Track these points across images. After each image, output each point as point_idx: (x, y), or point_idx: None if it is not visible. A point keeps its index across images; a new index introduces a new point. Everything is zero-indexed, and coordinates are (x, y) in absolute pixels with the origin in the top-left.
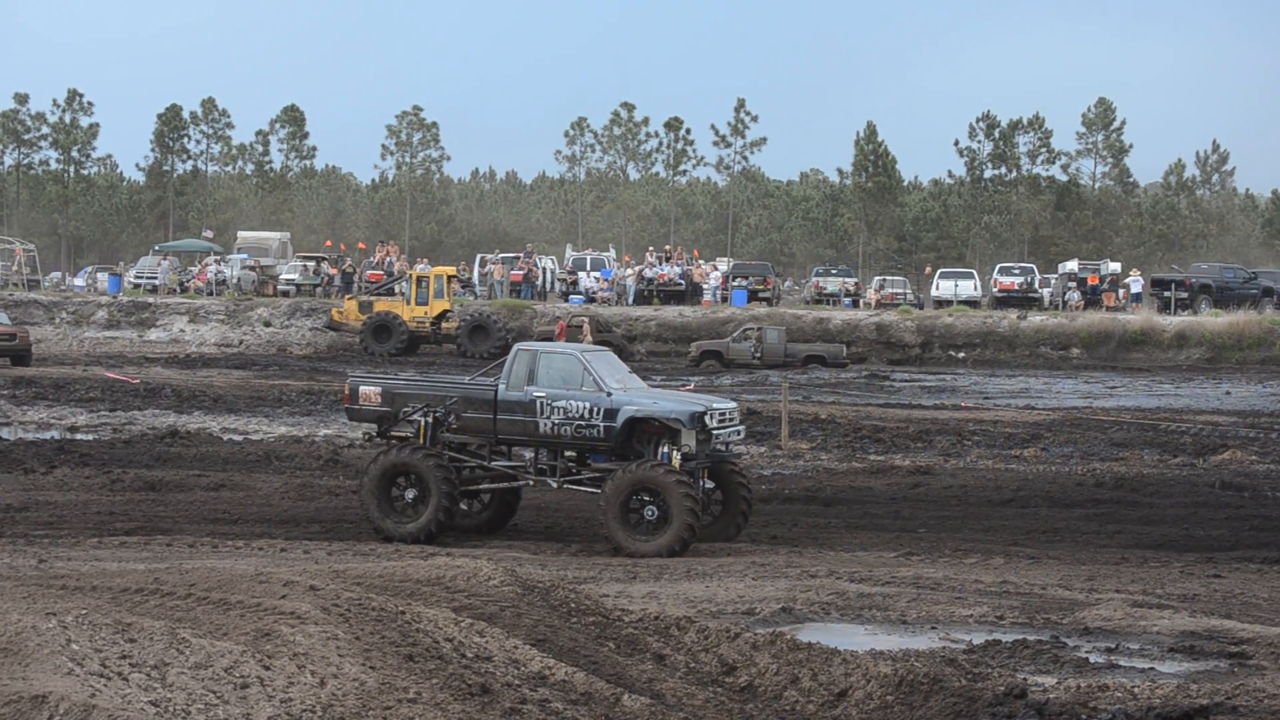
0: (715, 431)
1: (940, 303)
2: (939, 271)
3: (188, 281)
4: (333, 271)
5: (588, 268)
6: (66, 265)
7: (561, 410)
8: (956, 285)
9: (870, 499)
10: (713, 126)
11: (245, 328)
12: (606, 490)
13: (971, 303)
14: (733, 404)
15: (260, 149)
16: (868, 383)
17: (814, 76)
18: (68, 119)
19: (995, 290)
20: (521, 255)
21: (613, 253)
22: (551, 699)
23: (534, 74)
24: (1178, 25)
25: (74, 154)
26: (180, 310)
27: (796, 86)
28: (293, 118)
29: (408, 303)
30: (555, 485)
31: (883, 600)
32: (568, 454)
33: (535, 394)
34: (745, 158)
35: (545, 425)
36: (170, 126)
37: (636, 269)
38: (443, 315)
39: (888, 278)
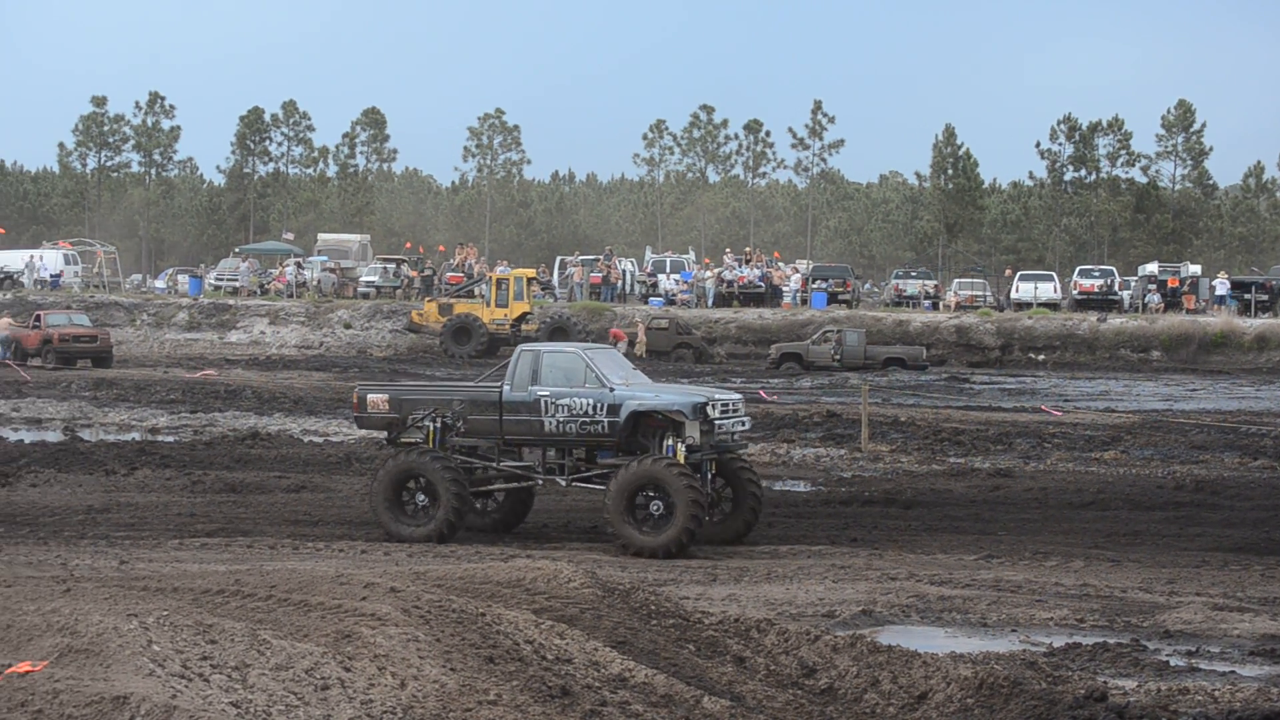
0: (718, 422)
1: (1020, 305)
2: (1019, 274)
3: (268, 283)
4: (413, 274)
5: (667, 270)
6: (147, 267)
7: (566, 408)
8: (1036, 287)
9: (950, 501)
10: (790, 129)
11: (325, 330)
12: (611, 487)
13: (1051, 305)
14: (736, 395)
15: (343, 151)
16: (947, 385)
17: (892, 78)
18: (149, 122)
19: (1075, 292)
20: (601, 257)
21: (692, 255)
22: (632, 701)
23: (614, 77)
24: (1256, 26)
25: (155, 156)
26: (261, 312)
27: (874, 88)
28: (374, 120)
29: (487, 305)
30: (564, 484)
31: (963, 603)
32: (575, 452)
33: (539, 393)
34: (823, 160)
35: (550, 424)
36: (252, 129)
37: (716, 271)
38: (523, 317)
39: (967, 279)
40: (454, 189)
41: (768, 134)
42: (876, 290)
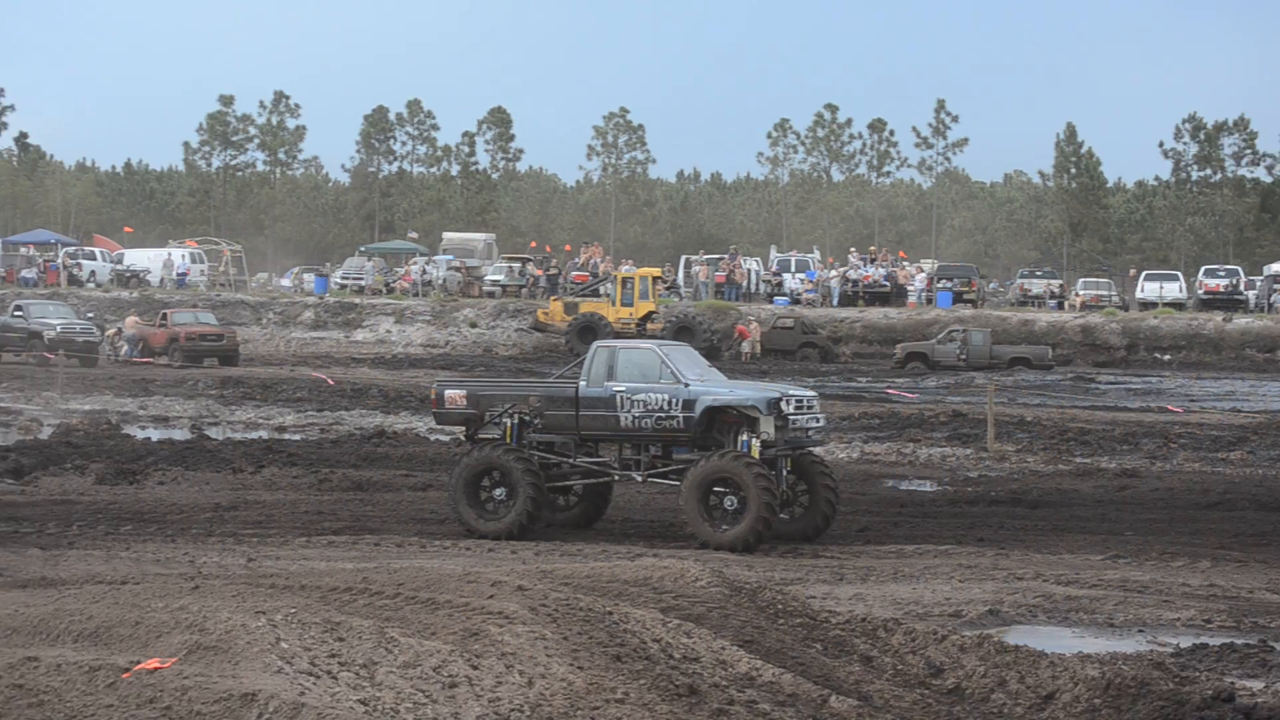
0: (792, 418)
1: (1145, 305)
2: (1144, 273)
3: (393, 282)
4: (538, 273)
5: (792, 269)
6: (273, 266)
7: (641, 403)
8: (1161, 287)
9: (1076, 501)
10: (914, 128)
11: (451, 328)
12: (685, 482)
13: (1176, 305)
14: (811, 392)
15: (466, 150)
16: (1073, 385)
17: (1015, 77)
18: (274, 121)
19: (1200, 292)
20: (726, 256)
21: (817, 254)
22: (759, 700)
23: (738, 76)
24: None
25: (280, 155)
26: (386, 311)
27: (998, 87)
28: (499, 119)
29: (613, 304)
30: (640, 479)
31: (1089, 603)
32: (651, 448)
33: (615, 389)
34: (948, 158)
35: (626, 419)
36: (376, 128)
37: (841, 270)
38: (648, 316)
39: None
40: (579, 188)
41: (891, 133)
42: (1001, 290)
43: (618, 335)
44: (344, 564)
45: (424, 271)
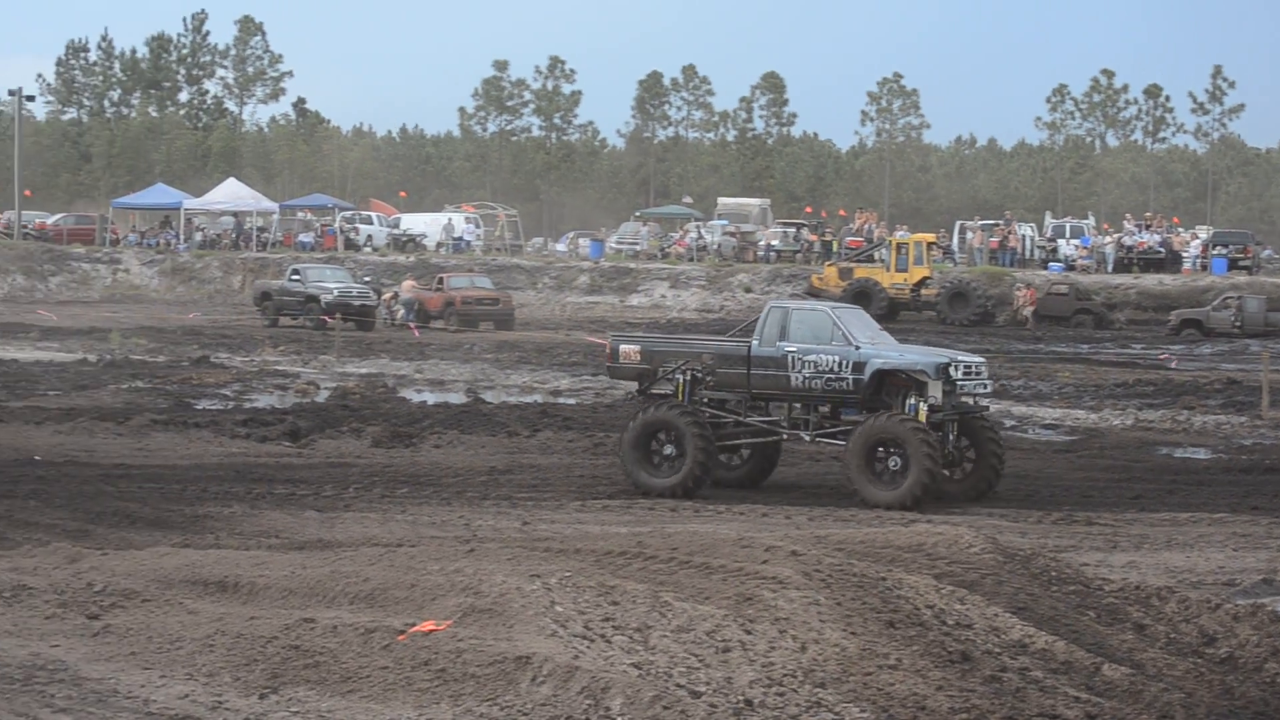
0: (960, 383)
1: None
2: None
3: (668, 247)
4: (812, 238)
5: (1067, 235)
6: (548, 231)
7: (812, 364)
8: None
9: None
10: (1190, 94)
11: (725, 293)
12: (851, 442)
13: None
14: (980, 358)
15: (743, 116)
16: None
17: None
18: (549, 86)
19: None
20: (1000, 222)
21: (1091, 220)
22: (1031, 667)
23: (1014, 40)
24: None
25: (556, 121)
26: (661, 276)
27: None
28: (773, 84)
29: (887, 269)
30: (808, 439)
31: None
32: (820, 408)
33: (787, 349)
34: (1224, 125)
35: (796, 379)
36: (651, 93)
37: (1116, 236)
38: (922, 282)
39: None
40: (853, 153)
41: (1167, 99)
42: (1278, 256)
43: (891, 302)
44: (618, 528)
45: (699, 236)
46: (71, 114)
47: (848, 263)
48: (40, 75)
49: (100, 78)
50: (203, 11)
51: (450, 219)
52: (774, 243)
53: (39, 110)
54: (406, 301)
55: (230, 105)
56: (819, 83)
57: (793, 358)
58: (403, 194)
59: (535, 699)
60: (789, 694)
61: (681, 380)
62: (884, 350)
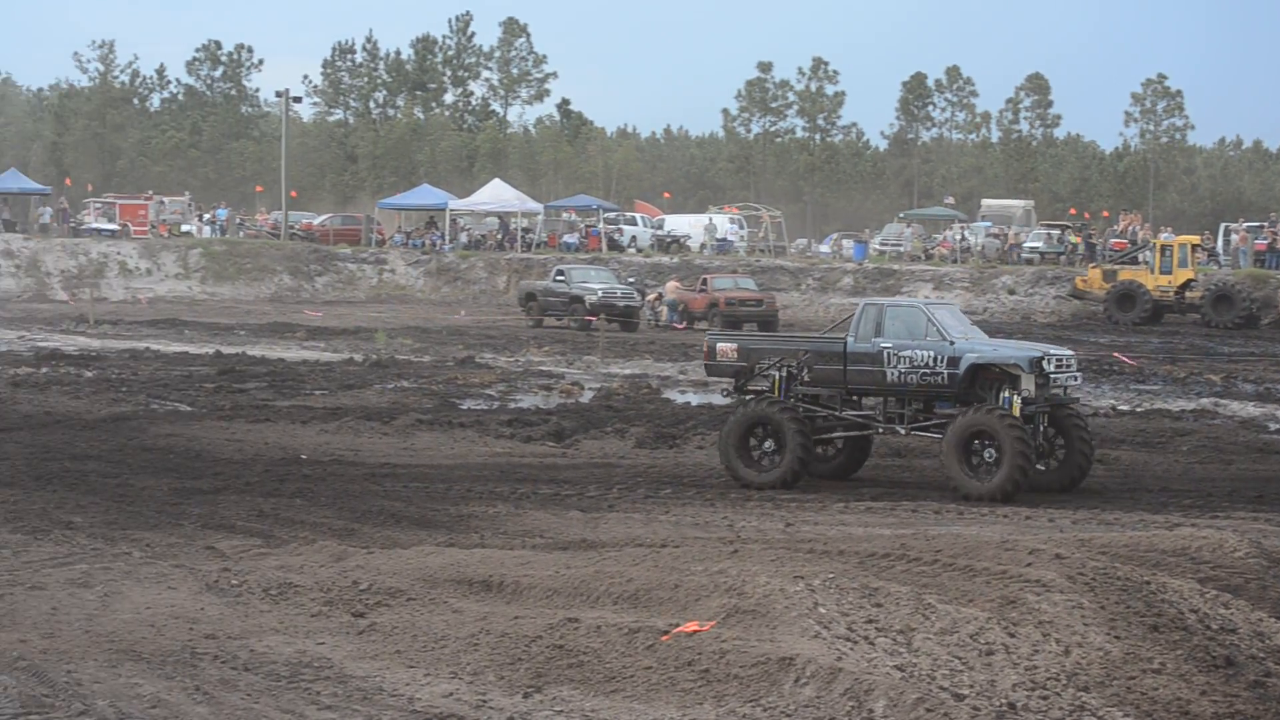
0: (1053, 376)
1: None
2: None
3: (932, 249)
4: (1076, 240)
5: None
6: (812, 232)
7: (907, 360)
8: None
9: None
10: None
11: (989, 295)
12: (947, 436)
13: None
14: (1070, 351)
15: (1009, 117)
16: None
17: None
18: (813, 87)
19: None
20: (1266, 224)
21: None
22: None
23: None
24: None
25: (819, 122)
26: (925, 277)
27: None
28: (1038, 85)
29: (1151, 272)
30: (903, 432)
31: None
32: (914, 402)
33: (882, 345)
34: None
35: (892, 375)
36: (915, 94)
37: None
38: (1187, 285)
39: None
40: (1117, 154)
41: None
42: None
43: (1156, 304)
44: (882, 530)
45: (962, 238)
46: (337, 115)
47: (1112, 265)
48: (306, 77)
49: (365, 79)
50: (467, 13)
51: (713, 220)
52: (1038, 244)
53: (305, 112)
54: (670, 302)
55: (495, 106)
56: (1083, 84)
57: (888, 353)
58: (667, 195)
59: (798, 700)
60: (1052, 697)
61: (778, 376)
62: (978, 345)
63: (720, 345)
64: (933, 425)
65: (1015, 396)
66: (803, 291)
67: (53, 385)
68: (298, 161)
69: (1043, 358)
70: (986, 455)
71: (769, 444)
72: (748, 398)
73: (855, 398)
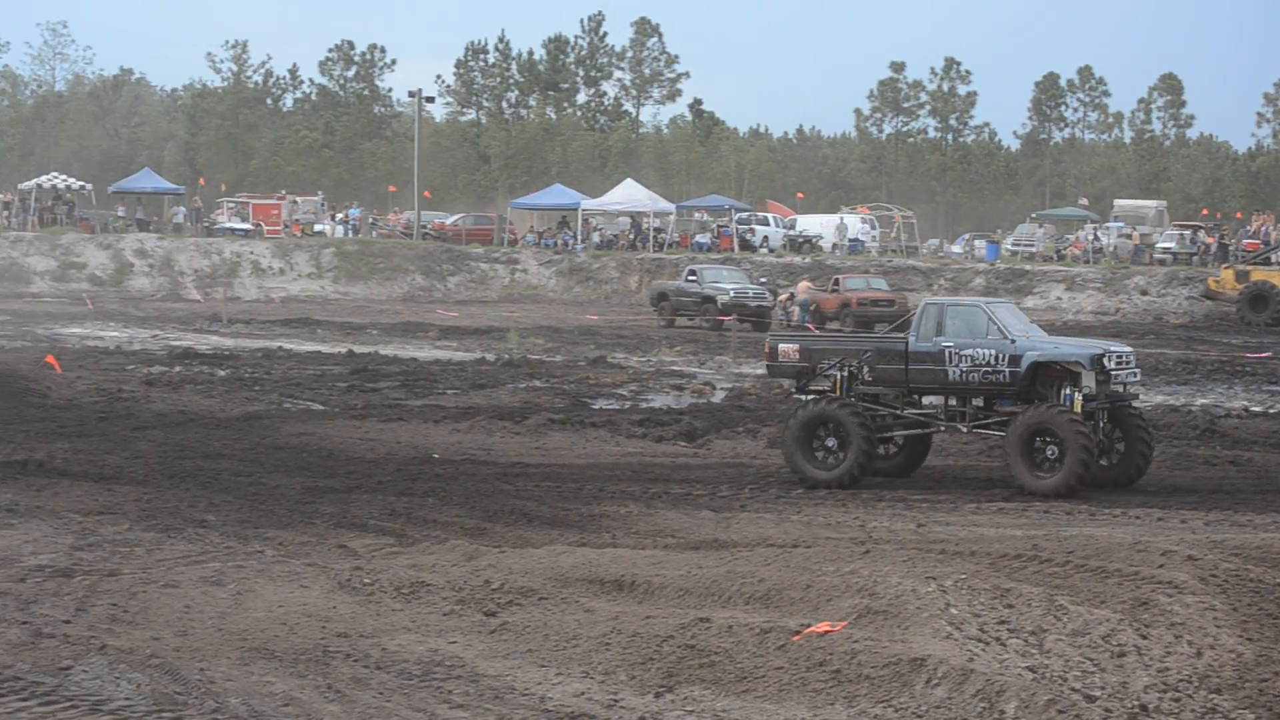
0: (1113, 373)
1: None
2: None
3: (1064, 249)
4: (1209, 240)
5: None
6: (944, 232)
7: (969, 358)
8: None
9: None
10: None
11: (1121, 296)
12: (1009, 433)
13: None
14: (1129, 348)
15: (1141, 117)
16: None
17: None
18: (945, 87)
19: None
20: None
21: None
22: None
23: None
24: None
25: (951, 122)
26: (1057, 278)
27: None
28: (1171, 86)
29: None
30: (965, 430)
31: None
32: (975, 400)
33: (944, 344)
34: None
35: (954, 373)
36: (1047, 94)
37: None
38: None
39: None
40: (1250, 155)
41: None
42: None
43: None
44: (1013, 531)
45: (1095, 238)
46: (470, 115)
47: (1244, 265)
48: (439, 77)
49: (498, 79)
50: (599, 13)
51: (845, 220)
52: (1171, 245)
53: (438, 112)
54: (802, 303)
55: (627, 106)
56: (1216, 84)
57: (950, 352)
58: (799, 195)
59: (930, 701)
60: (1184, 700)
61: (839, 376)
62: (1039, 343)
63: (782, 346)
64: (994, 423)
65: (1076, 394)
66: (935, 292)
67: (186, 384)
68: (430, 161)
69: (1103, 355)
70: (1049, 452)
71: (832, 442)
72: (809, 397)
73: (916, 396)
